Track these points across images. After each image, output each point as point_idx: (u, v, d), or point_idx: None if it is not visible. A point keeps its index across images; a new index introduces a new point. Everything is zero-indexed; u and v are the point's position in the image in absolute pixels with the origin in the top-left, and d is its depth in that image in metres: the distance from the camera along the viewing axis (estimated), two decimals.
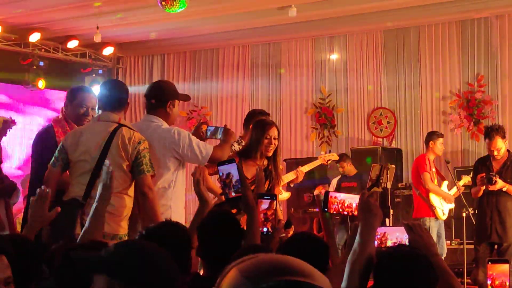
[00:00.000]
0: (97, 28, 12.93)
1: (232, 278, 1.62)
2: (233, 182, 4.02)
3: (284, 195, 7.25)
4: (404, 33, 13.61)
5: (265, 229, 3.93)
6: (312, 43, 14.45)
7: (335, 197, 3.80)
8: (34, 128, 13.52)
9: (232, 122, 14.53)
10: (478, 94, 12.78)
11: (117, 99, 5.70)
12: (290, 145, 14.41)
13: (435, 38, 13.30)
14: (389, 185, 9.92)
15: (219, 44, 14.95)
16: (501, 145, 8.70)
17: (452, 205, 10.20)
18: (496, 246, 8.87)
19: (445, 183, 10.44)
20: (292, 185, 7.76)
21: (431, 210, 10.02)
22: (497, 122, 12.50)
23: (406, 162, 13.27)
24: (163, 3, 9.45)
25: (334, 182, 12.45)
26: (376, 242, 3.58)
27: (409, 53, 13.57)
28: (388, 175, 10.04)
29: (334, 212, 3.83)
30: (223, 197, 4.36)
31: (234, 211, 4.40)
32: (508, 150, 8.90)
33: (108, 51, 14.75)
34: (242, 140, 7.51)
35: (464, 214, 9.74)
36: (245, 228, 3.94)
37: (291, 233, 5.91)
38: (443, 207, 10.02)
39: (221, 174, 4.08)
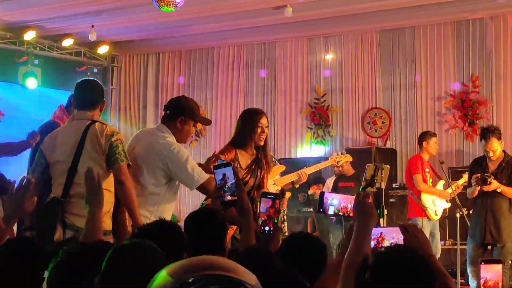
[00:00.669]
0: (92, 26, 12.93)
1: (160, 279, 1.66)
2: (229, 185, 4.01)
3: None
4: (399, 33, 13.63)
5: (267, 228, 3.92)
6: (307, 43, 14.45)
7: (331, 198, 3.80)
8: (28, 126, 13.52)
9: (227, 121, 14.55)
10: (472, 95, 12.80)
11: (90, 97, 5.77)
12: (284, 145, 14.42)
13: (430, 38, 13.32)
14: (383, 185, 9.91)
15: (214, 43, 14.95)
16: (496, 146, 8.71)
17: (448, 204, 10.19)
18: (490, 247, 8.87)
19: (441, 182, 10.45)
20: (297, 186, 7.73)
21: (422, 211, 10.06)
22: (492, 123, 12.53)
23: (400, 163, 13.29)
24: (158, 1, 9.44)
25: (329, 182, 12.45)
26: (372, 243, 3.59)
27: (404, 54, 13.58)
28: (383, 175, 10.03)
29: (330, 213, 3.83)
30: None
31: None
32: (504, 151, 8.91)
33: (103, 49, 14.74)
34: None
35: (458, 215, 9.76)
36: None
37: (285, 203, 5.95)
38: (436, 207, 10.04)
39: (216, 177, 4.07)
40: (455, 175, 11.04)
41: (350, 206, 3.68)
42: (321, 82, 14.30)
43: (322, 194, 3.82)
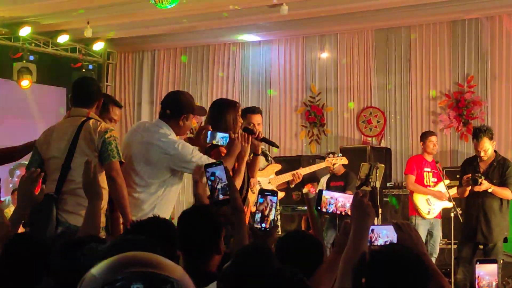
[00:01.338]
0: (88, 23, 12.91)
1: (87, 278, 1.65)
2: (221, 185, 4.01)
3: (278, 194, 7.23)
4: (395, 32, 13.64)
5: (263, 225, 3.92)
6: (302, 41, 14.45)
7: (329, 196, 3.79)
8: (25, 122, 13.52)
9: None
10: (467, 95, 12.81)
11: (86, 95, 5.79)
12: (279, 143, 14.39)
13: (425, 38, 13.33)
14: (378, 184, 9.93)
15: (210, 41, 14.94)
16: (488, 146, 8.74)
17: (450, 204, 10.10)
18: (481, 247, 8.90)
19: (442, 183, 10.39)
20: (292, 186, 7.74)
21: (415, 209, 10.11)
22: (486, 123, 12.56)
23: (395, 162, 13.32)
24: None
25: (323, 180, 12.45)
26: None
27: (399, 53, 13.59)
28: (378, 174, 10.05)
29: (328, 211, 3.83)
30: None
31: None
32: (495, 151, 8.93)
33: (98, 46, 14.72)
34: None
35: (452, 214, 9.78)
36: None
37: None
38: (430, 206, 10.05)
39: (208, 176, 4.07)
40: (450, 174, 11.04)
41: (348, 204, 3.68)
42: (316, 80, 14.31)
43: (320, 192, 3.81)
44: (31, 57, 13.57)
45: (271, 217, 3.90)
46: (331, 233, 11.51)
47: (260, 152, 6.38)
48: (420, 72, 13.36)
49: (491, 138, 8.76)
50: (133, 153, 5.67)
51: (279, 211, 7.43)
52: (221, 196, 3.99)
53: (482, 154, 8.75)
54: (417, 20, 13.16)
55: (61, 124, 5.85)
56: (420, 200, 10.11)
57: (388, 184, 12.60)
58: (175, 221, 4.14)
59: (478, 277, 3.42)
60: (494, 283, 3.50)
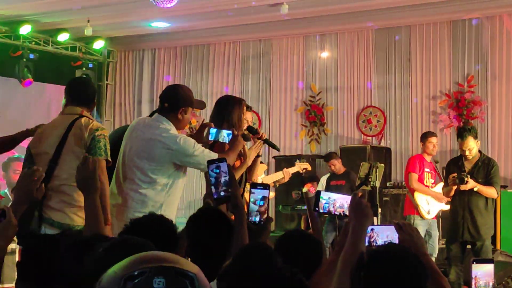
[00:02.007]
0: (88, 21, 12.91)
1: (108, 276, 1.70)
2: (224, 181, 4.00)
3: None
4: (395, 32, 13.63)
5: (256, 219, 3.91)
6: (303, 41, 14.46)
7: (327, 197, 3.78)
8: (24, 120, 13.50)
9: None
10: (468, 95, 12.81)
11: (82, 95, 5.80)
12: (279, 142, 14.39)
13: (426, 38, 13.33)
14: (377, 184, 9.94)
15: (210, 39, 14.94)
16: (473, 145, 8.76)
17: (447, 207, 10.10)
18: (470, 246, 8.94)
19: (440, 184, 10.40)
20: (278, 185, 7.76)
21: (415, 209, 10.11)
22: (486, 123, 12.58)
23: (395, 161, 13.33)
24: None
25: (323, 180, 12.47)
26: (366, 240, 3.58)
27: (399, 53, 13.59)
28: (377, 174, 10.05)
29: (326, 212, 3.82)
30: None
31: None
32: (480, 151, 8.97)
33: (98, 44, 14.73)
34: None
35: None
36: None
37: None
38: (429, 206, 10.06)
39: (211, 172, 4.05)
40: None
41: (346, 205, 3.67)
42: (317, 80, 14.31)
43: (318, 193, 3.80)
44: (31, 56, 13.58)
45: (264, 210, 3.89)
46: (331, 233, 11.52)
47: (260, 153, 6.38)
48: (420, 71, 13.36)
49: (475, 137, 8.80)
50: (135, 150, 5.66)
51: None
52: (222, 193, 3.98)
53: (467, 153, 8.78)
54: (417, 20, 13.15)
55: (54, 121, 5.87)
56: (421, 199, 10.11)
57: (388, 184, 12.61)
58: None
59: (475, 277, 3.43)
60: (491, 284, 3.50)
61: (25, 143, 6.11)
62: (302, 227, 12.75)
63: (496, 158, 12.41)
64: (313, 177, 12.76)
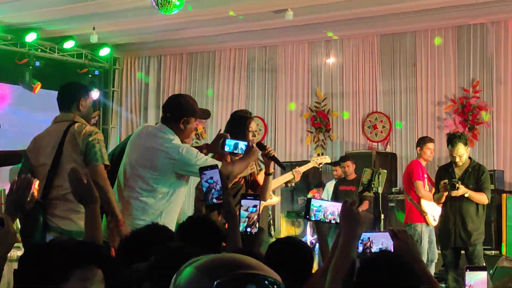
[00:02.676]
0: (94, 28, 12.95)
1: (190, 276, 1.69)
2: (215, 188, 4.00)
3: (273, 199, 7.19)
4: (400, 38, 13.63)
5: (248, 229, 3.91)
6: (308, 47, 14.47)
7: (318, 204, 3.78)
8: (30, 128, 13.53)
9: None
10: (473, 100, 12.79)
11: (66, 99, 5.76)
12: (285, 148, 14.43)
13: (431, 43, 13.32)
14: (380, 190, 9.91)
15: (216, 46, 14.97)
16: (463, 152, 8.76)
17: None
18: (464, 252, 8.94)
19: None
20: (289, 186, 7.69)
21: (422, 216, 10.06)
22: (492, 128, 12.55)
23: (400, 167, 13.29)
24: (158, 4, 9.47)
25: (329, 186, 12.46)
26: (361, 247, 3.58)
27: (405, 58, 13.58)
28: (380, 180, 10.03)
29: (317, 219, 3.82)
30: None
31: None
32: (469, 158, 8.96)
33: (104, 51, 14.77)
34: None
35: None
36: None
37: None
38: (434, 213, 10.03)
39: (205, 179, 4.06)
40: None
41: (337, 213, 3.66)
42: (322, 85, 14.31)
43: (309, 200, 3.80)
44: (37, 63, 13.63)
45: (255, 221, 3.90)
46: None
47: (271, 171, 6.34)
48: (425, 77, 13.35)
49: (465, 144, 8.80)
50: (137, 159, 5.64)
51: (270, 216, 7.37)
52: (214, 200, 3.99)
53: (457, 159, 8.78)
54: (422, 25, 13.14)
55: (48, 130, 5.82)
56: (427, 206, 10.08)
57: (393, 190, 12.58)
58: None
59: (470, 286, 3.42)
60: None
61: None
62: (309, 233, 12.73)
63: (501, 162, 12.44)
64: (318, 183, 12.75)
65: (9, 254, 3.54)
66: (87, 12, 12.20)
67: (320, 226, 4.17)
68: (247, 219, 3.96)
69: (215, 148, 5.93)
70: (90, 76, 14.80)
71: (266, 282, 1.63)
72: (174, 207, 5.68)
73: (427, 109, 13.31)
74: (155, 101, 15.66)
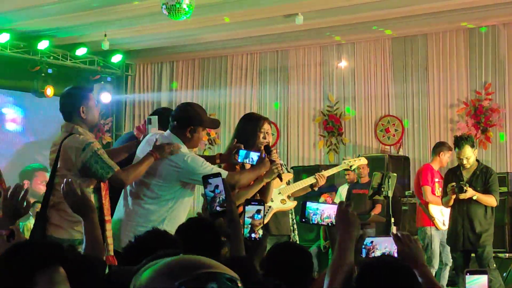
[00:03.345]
0: (105, 35, 12.98)
1: (149, 279, 1.72)
2: (219, 197, 4.00)
3: (289, 204, 7.12)
4: (412, 41, 13.60)
5: (253, 235, 3.91)
6: (320, 51, 14.45)
7: (313, 207, 3.77)
8: (44, 136, 13.60)
9: None
10: (485, 102, 12.74)
11: (70, 108, 5.71)
12: (297, 153, 14.42)
13: (442, 46, 13.28)
14: (390, 194, 9.89)
15: (228, 51, 14.99)
16: (470, 154, 8.73)
17: None
18: (473, 255, 8.91)
19: None
20: (316, 189, 7.54)
21: (431, 220, 10.07)
22: (505, 130, 12.50)
23: (413, 170, 13.20)
24: (168, 10, 9.49)
25: (341, 190, 12.44)
26: (364, 252, 3.57)
27: (416, 61, 13.54)
28: (390, 184, 10.01)
29: (313, 222, 3.81)
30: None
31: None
32: (477, 160, 8.93)
33: (116, 58, 14.81)
34: None
35: None
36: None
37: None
38: (444, 217, 10.01)
39: (211, 188, 4.06)
40: None
41: (334, 215, 3.64)
42: (334, 89, 14.29)
43: (304, 203, 3.79)
44: (50, 70, 13.69)
45: (259, 227, 3.90)
46: None
47: (274, 177, 6.27)
48: (437, 80, 13.31)
49: (472, 146, 8.77)
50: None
51: (295, 220, 7.30)
52: (218, 208, 3.99)
53: (465, 162, 8.75)
54: (434, 28, 13.10)
55: (56, 138, 5.87)
56: (436, 211, 10.07)
57: (406, 193, 12.53)
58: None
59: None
60: None
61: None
62: (322, 237, 12.70)
63: None
64: (331, 187, 12.71)
65: None
66: (99, 19, 12.24)
67: (332, 231, 4.16)
68: (250, 226, 3.96)
69: (228, 158, 5.94)
70: (102, 82, 14.85)
71: (225, 279, 1.67)
72: (178, 214, 5.67)
73: (440, 112, 13.27)
74: (168, 107, 15.65)
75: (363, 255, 3.50)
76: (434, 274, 9.98)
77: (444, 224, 10.02)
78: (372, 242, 3.57)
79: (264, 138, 6.27)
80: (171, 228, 5.20)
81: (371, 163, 12.34)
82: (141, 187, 5.66)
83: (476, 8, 11.84)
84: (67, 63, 14.33)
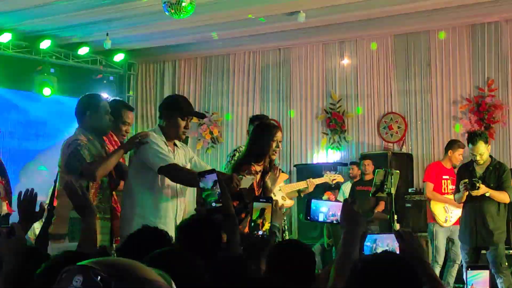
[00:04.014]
0: (107, 34, 12.97)
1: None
2: (217, 192, 4.01)
3: (287, 202, 7.20)
4: (415, 37, 13.57)
5: (260, 232, 3.92)
6: (322, 48, 14.43)
7: (318, 205, 3.77)
8: (45, 135, 13.61)
9: (243, 127, 14.52)
10: (488, 99, 12.71)
11: (77, 114, 6.02)
12: (300, 150, 14.40)
13: (445, 42, 13.25)
14: (393, 191, 9.88)
15: (230, 49, 14.97)
16: (483, 150, 8.69)
17: None
18: (484, 251, 8.88)
19: None
20: (302, 195, 7.71)
21: (432, 217, 10.08)
22: (508, 127, 12.47)
23: (417, 167, 13.23)
24: (169, 9, 9.48)
25: (344, 187, 12.45)
26: (368, 249, 3.57)
27: (419, 58, 13.52)
28: (393, 181, 9.99)
29: (318, 220, 3.81)
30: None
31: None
32: (490, 156, 8.89)
33: (119, 57, 14.80)
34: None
35: None
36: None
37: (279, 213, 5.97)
38: (447, 214, 9.99)
39: (205, 184, 4.07)
40: None
41: (338, 213, 3.65)
42: (337, 87, 14.27)
43: (309, 201, 3.79)
44: (52, 70, 13.69)
45: (267, 224, 3.90)
46: None
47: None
48: (440, 76, 13.28)
49: (486, 142, 8.73)
50: (140, 160, 5.86)
51: (285, 221, 7.35)
52: (213, 204, 4.01)
53: (478, 158, 8.71)
54: (437, 25, 13.07)
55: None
56: (437, 208, 10.06)
57: (410, 190, 12.53)
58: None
59: (472, 285, 3.39)
60: None
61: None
62: (325, 235, 12.70)
63: None
64: (334, 185, 12.70)
65: None
66: (101, 18, 12.23)
67: (335, 229, 4.16)
68: (255, 222, 3.96)
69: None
70: (105, 82, 14.85)
71: (93, 274, 1.74)
72: (157, 203, 5.70)
73: (443, 109, 13.24)
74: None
75: (366, 252, 3.50)
76: (439, 271, 9.97)
77: (446, 221, 10.01)
78: (375, 239, 3.57)
79: (277, 146, 6.38)
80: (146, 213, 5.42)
81: (375, 160, 12.38)
82: (129, 179, 5.90)
83: (478, 5, 11.81)
84: (70, 63, 14.32)
